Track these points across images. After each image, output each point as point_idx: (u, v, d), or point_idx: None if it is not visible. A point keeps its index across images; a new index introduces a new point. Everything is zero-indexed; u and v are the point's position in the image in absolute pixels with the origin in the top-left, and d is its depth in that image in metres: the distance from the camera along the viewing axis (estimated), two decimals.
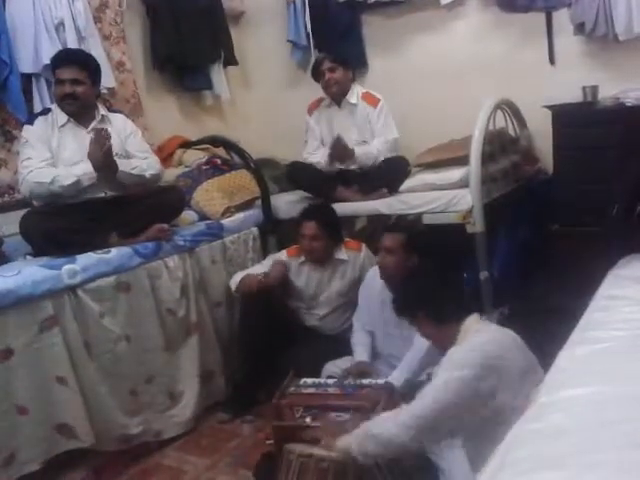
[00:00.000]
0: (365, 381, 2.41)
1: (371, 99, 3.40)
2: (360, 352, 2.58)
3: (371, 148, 3.35)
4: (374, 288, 2.62)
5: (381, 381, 2.32)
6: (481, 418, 1.54)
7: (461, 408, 1.55)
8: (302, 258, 2.93)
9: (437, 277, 1.91)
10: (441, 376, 1.60)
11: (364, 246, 2.94)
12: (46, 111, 2.73)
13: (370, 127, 3.40)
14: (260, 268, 2.98)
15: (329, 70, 3.37)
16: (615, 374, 1.27)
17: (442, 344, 1.77)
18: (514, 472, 1.03)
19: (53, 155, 2.65)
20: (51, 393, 2.33)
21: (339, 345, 2.71)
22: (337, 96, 3.43)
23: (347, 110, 3.44)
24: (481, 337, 1.65)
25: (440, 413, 1.56)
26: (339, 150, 3.30)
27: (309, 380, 2.43)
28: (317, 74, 3.43)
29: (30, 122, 2.67)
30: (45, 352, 2.31)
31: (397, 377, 2.28)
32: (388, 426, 1.63)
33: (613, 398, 1.17)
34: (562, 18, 3.46)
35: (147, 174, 2.75)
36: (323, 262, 2.90)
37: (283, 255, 3.00)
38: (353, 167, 3.38)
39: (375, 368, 2.52)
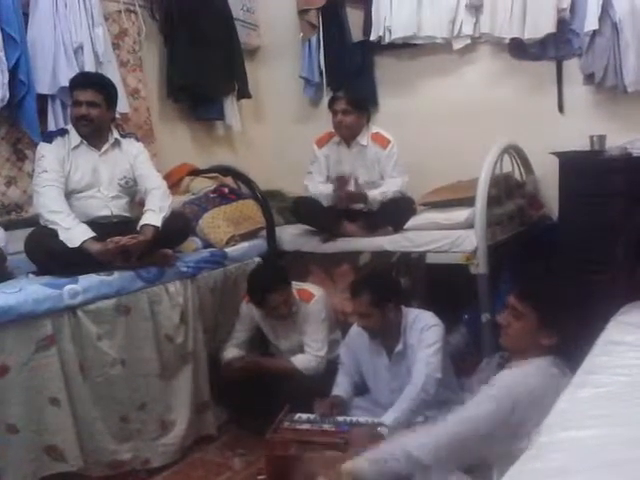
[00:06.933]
0: (362, 419, 2.39)
1: (381, 140, 3.35)
2: (336, 390, 2.58)
3: (387, 188, 3.29)
4: (360, 343, 2.62)
5: (377, 420, 2.31)
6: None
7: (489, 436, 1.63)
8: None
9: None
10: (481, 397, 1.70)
11: (316, 298, 2.92)
12: (63, 132, 2.75)
13: (379, 168, 3.36)
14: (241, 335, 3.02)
15: (343, 112, 3.29)
16: (617, 417, 1.26)
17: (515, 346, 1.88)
18: None
19: (65, 176, 2.67)
20: (43, 413, 2.30)
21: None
22: (347, 137, 3.39)
23: (356, 150, 3.39)
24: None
25: (473, 431, 1.65)
26: (347, 197, 3.27)
27: (304, 415, 2.42)
28: (331, 110, 3.37)
29: (49, 140, 2.70)
30: (40, 371, 2.29)
31: (388, 415, 2.29)
32: (419, 439, 1.70)
33: (615, 440, 1.16)
34: (572, 68, 3.54)
35: (168, 212, 2.75)
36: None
37: (243, 306, 3.02)
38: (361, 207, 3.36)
39: (351, 403, 2.55)
